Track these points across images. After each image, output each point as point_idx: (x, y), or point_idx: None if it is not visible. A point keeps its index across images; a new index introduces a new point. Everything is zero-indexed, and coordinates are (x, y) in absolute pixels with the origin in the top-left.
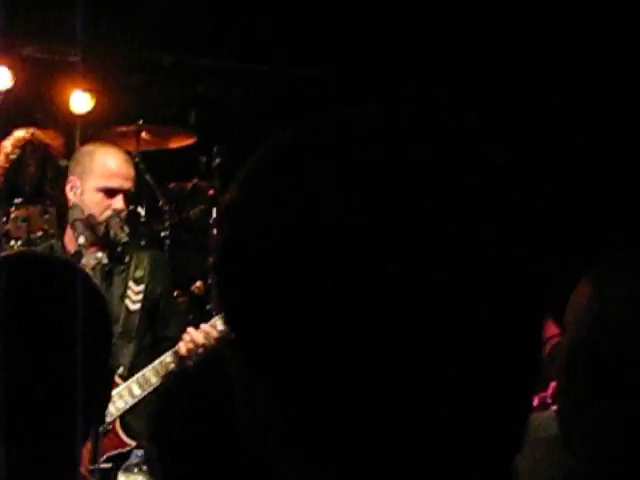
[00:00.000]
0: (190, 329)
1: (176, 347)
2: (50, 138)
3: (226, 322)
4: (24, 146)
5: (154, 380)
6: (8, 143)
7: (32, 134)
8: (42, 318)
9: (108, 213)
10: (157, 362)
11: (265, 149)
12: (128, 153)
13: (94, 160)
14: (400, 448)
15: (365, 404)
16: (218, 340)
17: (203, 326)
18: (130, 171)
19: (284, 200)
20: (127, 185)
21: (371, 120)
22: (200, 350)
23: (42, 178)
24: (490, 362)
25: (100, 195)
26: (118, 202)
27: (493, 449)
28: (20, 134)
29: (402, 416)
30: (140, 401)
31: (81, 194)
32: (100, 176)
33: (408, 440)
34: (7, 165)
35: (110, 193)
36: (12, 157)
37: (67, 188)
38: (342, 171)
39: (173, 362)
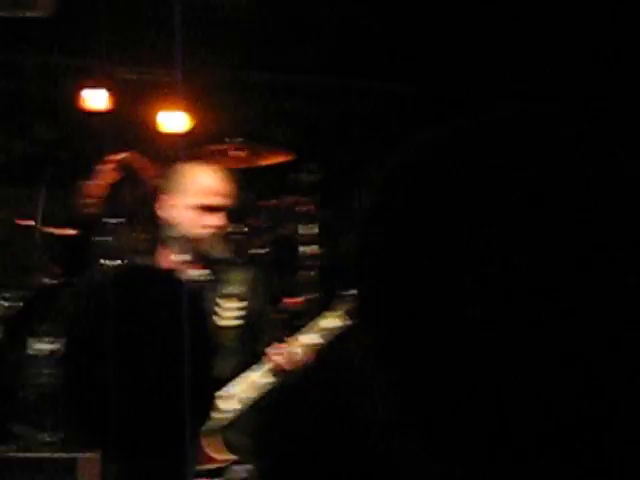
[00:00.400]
0: (277, 345)
1: (268, 363)
2: (144, 162)
3: (362, 317)
4: (121, 170)
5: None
6: (108, 165)
7: (126, 158)
8: (156, 329)
9: (204, 231)
10: (251, 377)
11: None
12: (226, 170)
13: (189, 178)
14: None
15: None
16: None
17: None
18: (224, 187)
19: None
20: (223, 202)
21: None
22: (288, 365)
23: (138, 200)
24: None
25: (195, 213)
26: (214, 219)
27: None
28: (116, 158)
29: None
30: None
31: (176, 213)
32: (195, 194)
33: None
34: (105, 191)
35: (206, 210)
36: (109, 181)
37: (161, 208)
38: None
39: (267, 378)
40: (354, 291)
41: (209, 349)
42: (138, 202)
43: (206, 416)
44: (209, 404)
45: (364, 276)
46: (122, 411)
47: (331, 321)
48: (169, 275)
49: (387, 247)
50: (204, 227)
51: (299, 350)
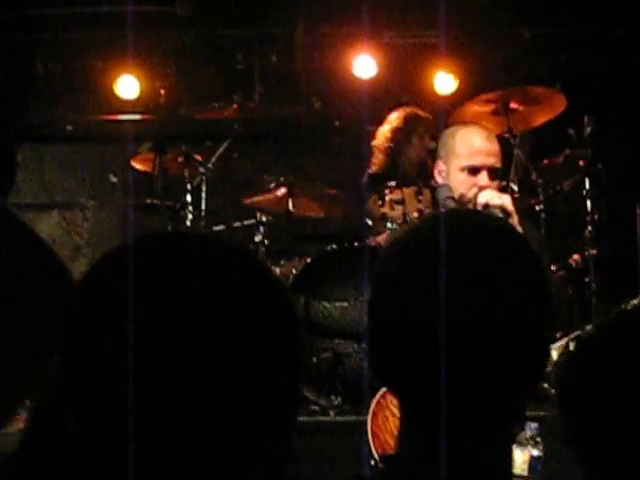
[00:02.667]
0: None
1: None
2: (425, 114)
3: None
4: (408, 121)
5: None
6: (390, 124)
7: (412, 110)
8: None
9: (474, 190)
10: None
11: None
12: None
13: (456, 140)
14: None
15: None
16: None
17: None
18: (492, 147)
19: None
20: (490, 161)
21: None
22: None
23: (418, 159)
24: None
25: (464, 174)
26: (482, 179)
27: None
28: (400, 113)
29: None
30: None
31: (447, 175)
32: (462, 155)
33: None
34: (391, 144)
35: (474, 171)
36: (395, 135)
37: (435, 172)
38: None
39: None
40: None
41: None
42: (416, 164)
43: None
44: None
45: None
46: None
47: None
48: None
49: None
50: (472, 186)
51: None
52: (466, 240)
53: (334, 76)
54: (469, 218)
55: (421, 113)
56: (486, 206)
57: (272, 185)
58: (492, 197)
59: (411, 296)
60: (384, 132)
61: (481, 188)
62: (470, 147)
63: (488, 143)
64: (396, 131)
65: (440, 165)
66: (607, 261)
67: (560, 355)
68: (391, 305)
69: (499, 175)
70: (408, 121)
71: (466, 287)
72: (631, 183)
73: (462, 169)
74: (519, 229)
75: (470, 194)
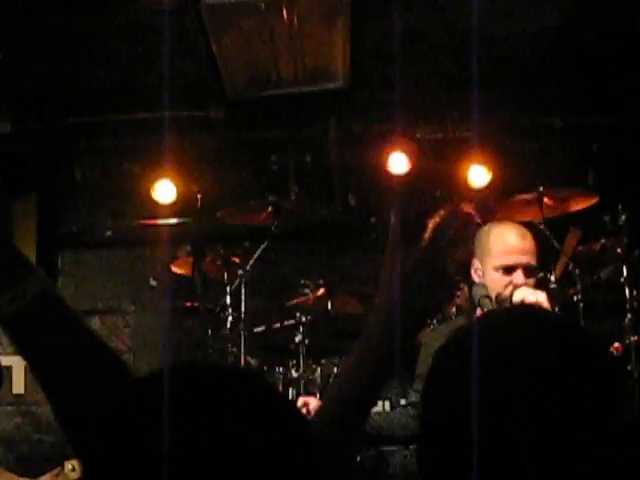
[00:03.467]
0: None
1: None
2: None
3: None
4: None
5: None
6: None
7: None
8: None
9: (510, 289)
10: None
11: None
12: (528, 225)
13: (490, 240)
14: None
15: None
16: None
17: None
18: (526, 245)
19: None
20: (524, 260)
21: None
22: None
23: (463, 258)
24: None
25: (499, 273)
26: (518, 277)
27: None
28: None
29: None
30: None
31: (483, 274)
32: (496, 255)
33: None
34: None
35: (509, 270)
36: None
37: (472, 270)
38: None
39: None
40: None
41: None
42: (460, 264)
43: None
44: None
45: None
46: None
47: None
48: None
49: None
50: (507, 285)
51: None
52: (527, 344)
53: (368, 173)
54: (524, 319)
55: (472, 212)
56: (522, 302)
57: (311, 286)
58: (527, 295)
59: (467, 401)
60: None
61: (516, 286)
62: (504, 246)
63: (522, 241)
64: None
65: (476, 263)
66: None
67: None
68: (446, 409)
69: (535, 272)
70: (462, 215)
71: (530, 395)
72: None
73: (497, 268)
74: None
75: (506, 292)
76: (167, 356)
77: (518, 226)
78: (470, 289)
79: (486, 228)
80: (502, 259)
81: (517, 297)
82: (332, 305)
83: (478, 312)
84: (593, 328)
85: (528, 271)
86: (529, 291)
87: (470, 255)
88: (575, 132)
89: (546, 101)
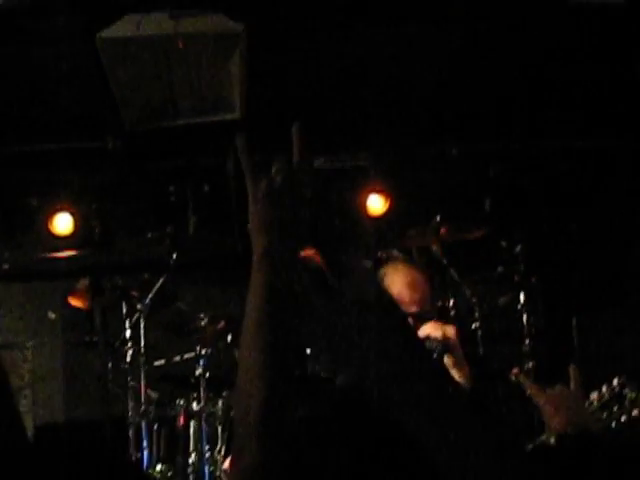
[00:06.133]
0: None
1: None
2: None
3: None
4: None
5: None
6: None
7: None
8: None
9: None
10: None
11: None
12: (425, 252)
13: (385, 285)
14: None
15: None
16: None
17: None
18: (415, 295)
19: None
20: (412, 310)
21: None
22: None
23: None
24: None
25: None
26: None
27: None
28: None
29: None
30: None
31: None
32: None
33: None
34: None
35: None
36: None
37: None
38: None
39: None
40: None
41: None
42: None
43: None
44: None
45: None
46: None
47: None
48: None
49: None
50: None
51: None
52: None
53: None
54: None
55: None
56: (427, 339)
57: (211, 318)
58: (433, 330)
59: None
60: None
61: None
62: (394, 295)
63: (408, 291)
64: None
65: None
66: (546, 373)
67: None
68: None
69: (428, 316)
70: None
71: None
72: (566, 295)
73: None
74: (462, 356)
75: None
76: (66, 391)
77: (407, 273)
78: None
79: (382, 272)
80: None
81: (421, 332)
82: (232, 337)
83: None
84: (492, 354)
85: (417, 319)
86: (436, 325)
87: None
88: (471, 159)
89: (442, 129)
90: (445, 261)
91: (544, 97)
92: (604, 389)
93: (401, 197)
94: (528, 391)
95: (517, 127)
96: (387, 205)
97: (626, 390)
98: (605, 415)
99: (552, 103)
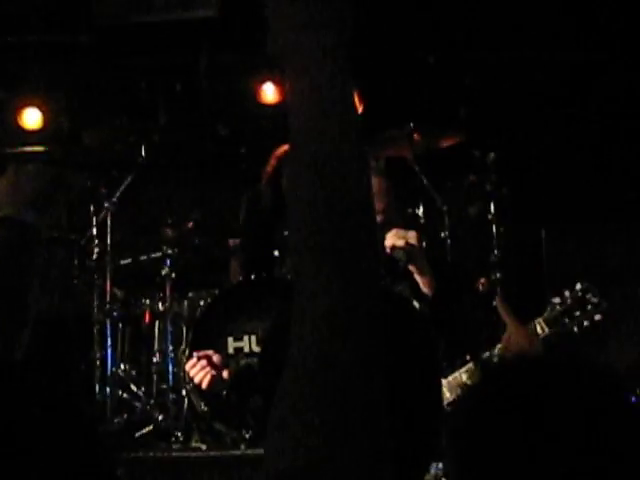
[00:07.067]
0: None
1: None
2: None
3: None
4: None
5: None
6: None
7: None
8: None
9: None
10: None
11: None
12: (397, 160)
13: None
14: None
15: None
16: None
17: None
18: (379, 205)
19: None
20: (377, 219)
21: None
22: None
23: None
24: None
25: None
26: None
27: None
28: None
29: None
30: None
31: None
32: None
33: None
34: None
35: None
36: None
37: None
38: None
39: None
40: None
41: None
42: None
43: None
44: None
45: None
46: None
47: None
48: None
49: None
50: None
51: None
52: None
53: (239, 103)
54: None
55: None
56: (393, 249)
57: (179, 218)
58: (395, 240)
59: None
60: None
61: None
62: None
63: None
64: (270, 169)
65: None
66: (513, 285)
67: (468, 378)
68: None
69: (395, 224)
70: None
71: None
72: (536, 207)
73: None
74: (425, 263)
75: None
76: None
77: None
78: None
79: None
80: None
81: (387, 242)
82: (199, 238)
83: None
84: (460, 264)
85: (382, 228)
86: (399, 233)
87: None
88: (448, 67)
89: (420, 36)
90: (417, 168)
91: (522, 7)
92: (567, 293)
93: (373, 103)
94: (499, 309)
95: (494, 37)
96: (360, 108)
97: (589, 295)
98: (567, 320)
99: (531, 13)
